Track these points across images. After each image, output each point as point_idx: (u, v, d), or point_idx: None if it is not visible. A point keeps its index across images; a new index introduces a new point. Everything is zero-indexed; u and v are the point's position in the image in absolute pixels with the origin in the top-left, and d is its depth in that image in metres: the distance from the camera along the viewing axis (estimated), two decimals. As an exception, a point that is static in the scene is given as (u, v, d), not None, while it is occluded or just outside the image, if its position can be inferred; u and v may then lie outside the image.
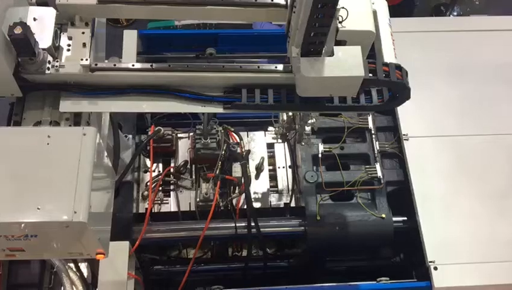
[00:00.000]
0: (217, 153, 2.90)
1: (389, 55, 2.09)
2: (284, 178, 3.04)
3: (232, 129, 3.06)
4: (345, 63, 1.86)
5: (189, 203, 2.93)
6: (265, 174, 3.03)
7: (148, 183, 2.89)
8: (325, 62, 1.85)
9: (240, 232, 2.80)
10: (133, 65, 2.01)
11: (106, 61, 2.07)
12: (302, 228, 2.79)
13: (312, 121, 2.68)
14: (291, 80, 1.98)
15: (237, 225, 2.80)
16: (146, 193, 2.89)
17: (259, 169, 3.03)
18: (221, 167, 2.91)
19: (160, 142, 2.97)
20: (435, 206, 2.72)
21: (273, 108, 2.07)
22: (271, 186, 3.02)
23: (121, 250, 2.45)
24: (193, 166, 3.01)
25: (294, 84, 1.97)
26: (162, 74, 2.02)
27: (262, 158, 3.03)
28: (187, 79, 2.04)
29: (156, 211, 2.89)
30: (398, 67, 1.96)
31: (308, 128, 2.73)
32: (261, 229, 2.78)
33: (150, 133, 2.95)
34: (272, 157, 3.12)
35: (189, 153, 3.02)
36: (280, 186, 3.02)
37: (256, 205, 2.93)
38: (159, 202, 2.92)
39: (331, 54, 1.87)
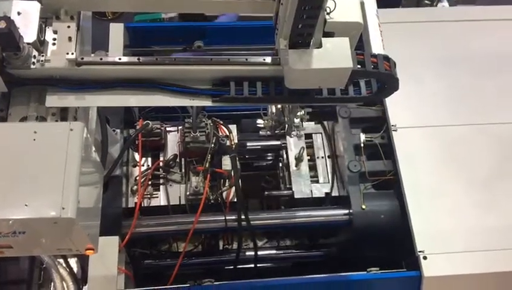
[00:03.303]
0: (207, 146, 2.90)
1: (377, 46, 2.09)
2: (324, 168, 3.06)
3: (221, 122, 3.05)
4: (333, 55, 1.86)
5: (179, 197, 2.92)
6: (305, 164, 3.04)
7: (137, 178, 2.88)
8: (313, 54, 1.85)
9: (230, 225, 2.81)
10: (119, 59, 1.99)
11: (92, 55, 2.05)
12: (347, 217, 2.81)
13: (301, 113, 2.68)
14: (279, 72, 1.98)
15: (227, 217, 2.81)
16: (135, 187, 2.88)
17: (299, 159, 3.03)
18: (211, 160, 2.91)
19: (149, 136, 2.96)
20: (423, 196, 2.74)
21: (261, 100, 2.06)
22: (311, 176, 3.04)
23: (110, 245, 2.44)
24: (182, 160, 3.01)
25: (282, 76, 1.97)
26: (149, 67, 2.01)
27: (302, 148, 3.03)
28: (175, 72, 2.03)
29: (145, 205, 2.89)
30: (386, 58, 1.97)
31: (297, 120, 2.74)
32: (303, 219, 2.85)
33: (138, 127, 2.94)
34: (310, 148, 3.14)
35: (179, 146, 3.01)
36: (320, 176, 3.04)
37: (297, 195, 2.96)
38: (149, 196, 2.91)
39: (319, 45, 1.86)
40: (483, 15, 3.28)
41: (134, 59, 2.00)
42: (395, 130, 2.89)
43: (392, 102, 2.92)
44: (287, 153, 3.10)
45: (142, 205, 2.86)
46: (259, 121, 3.02)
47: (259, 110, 3.02)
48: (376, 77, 2.03)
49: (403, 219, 2.74)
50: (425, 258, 2.58)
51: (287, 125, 2.86)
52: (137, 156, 2.96)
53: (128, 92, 2.03)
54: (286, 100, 2.17)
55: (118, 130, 2.95)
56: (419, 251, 2.60)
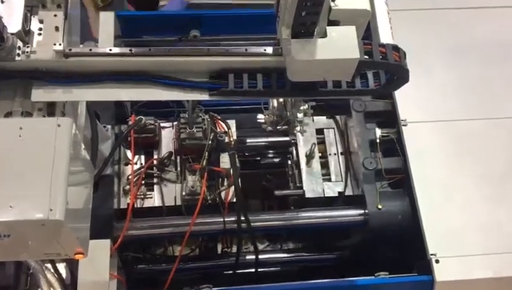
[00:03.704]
0: (204, 143, 2.89)
1: (385, 36, 2.11)
2: (337, 165, 3.08)
3: (219, 117, 3.05)
4: (338, 45, 1.85)
5: (174, 197, 2.92)
6: (316, 162, 3.06)
7: (130, 177, 2.88)
8: (318, 44, 1.84)
9: (228, 227, 2.82)
10: (110, 50, 1.99)
11: (81, 46, 2.04)
12: (362, 217, 2.82)
13: (304, 107, 2.68)
14: (281, 63, 1.97)
15: (226, 219, 2.81)
16: (127, 187, 2.88)
17: (310, 156, 3.04)
18: (208, 158, 2.91)
19: (142, 132, 2.96)
20: (435, 195, 2.75)
21: (262, 94, 2.06)
22: (323, 174, 3.06)
23: (101, 249, 2.44)
24: (178, 157, 3.01)
25: (285, 68, 1.96)
26: (142, 59, 2.00)
27: (314, 144, 3.04)
28: (169, 64, 2.02)
29: (138, 206, 2.89)
30: (396, 48, 1.96)
31: (300, 115, 2.73)
32: (315, 220, 2.87)
33: (130, 123, 2.94)
34: (322, 144, 3.15)
35: (174, 143, 3.01)
36: (333, 174, 3.06)
37: (309, 194, 2.97)
38: (142, 196, 2.91)
39: (324, 35, 1.86)
40: (497, 2, 3.28)
41: (126, 50, 1.99)
42: (405, 125, 2.90)
43: (401, 95, 2.93)
44: (296, 149, 3.11)
45: (135, 206, 2.86)
46: (260, 116, 3.03)
47: (259, 105, 3.02)
48: (385, 68, 2.03)
49: (413, 219, 2.75)
50: (437, 261, 2.58)
51: (290, 121, 2.86)
52: (129, 154, 2.95)
53: (120, 85, 2.02)
54: (288, 94, 2.16)
55: (109, 126, 2.95)
56: (431, 254, 2.60)
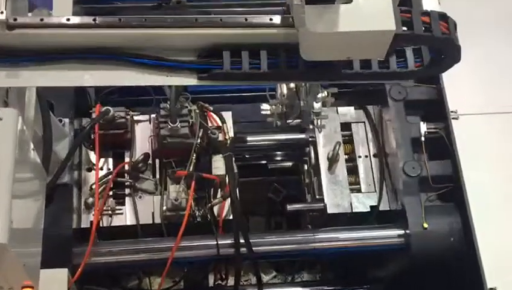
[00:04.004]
0: (190, 141, 2.90)
1: (430, 1, 2.08)
2: (368, 171, 3.09)
3: (211, 108, 3.05)
4: (367, 13, 1.84)
5: (152, 213, 2.94)
6: (341, 166, 3.06)
7: (94, 187, 2.89)
8: (340, 12, 1.83)
9: (223, 253, 2.83)
10: (68, 20, 1.98)
11: (30, 14, 2.04)
12: (402, 240, 2.84)
13: (323, 95, 2.67)
14: (293, 37, 1.97)
15: (220, 242, 2.82)
16: (91, 199, 2.89)
17: (333, 159, 3.04)
18: (197, 161, 2.91)
19: (110, 128, 2.97)
20: (494, 210, 2.76)
21: (267, 77, 2.06)
22: (350, 183, 3.06)
23: (57, 280, 2.41)
24: (157, 161, 3.02)
25: (297, 43, 1.95)
26: (110, 31, 2.00)
27: (338, 144, 3.04)
28: (145, 38, 2.02)
29: (105, 225, 2.90)
30: (443, 17, 1.95)
31: (318, 105, 2.73)
32: (340, 243, 2.90)
33: (94, 115, 2.94)
34: (349, 143, 3.16)
35: (151, 142, 3.02)
36: (363, 183, 3.07)
37: (331, 209, 2.97)
38: (110, 212, 2.92)
39: (349, 0, 1.85)
40: None
41: (89, 20, 1.98)
42: (456, 118, 2.92)
43: (451, 79, 2.93)
44: (315, 150, 3.11)
45: (101, 224, 2.87)
46: (265, 106, 3.03)
47: (264, 92, 3.04)
48: (429, 44, 2.02)
49: (468, 242, 2.77)
50: (498, 297, 2.60)
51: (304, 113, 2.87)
52: (93, 157, 2.96)
53: (81, 66, 2.02)
54: (302, 77, 2.15)
55: (67, 120, 2.95)
56: (491, 288, 2.60)
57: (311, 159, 3.14)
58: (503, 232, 2.73)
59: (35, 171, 2.08)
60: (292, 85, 2.81)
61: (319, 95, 2.81)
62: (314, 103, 2.83)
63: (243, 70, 2.01)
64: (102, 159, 2.99)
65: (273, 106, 2.96)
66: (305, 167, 3.21)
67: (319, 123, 2.94)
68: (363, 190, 3.06)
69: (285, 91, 2.87)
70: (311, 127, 3.01)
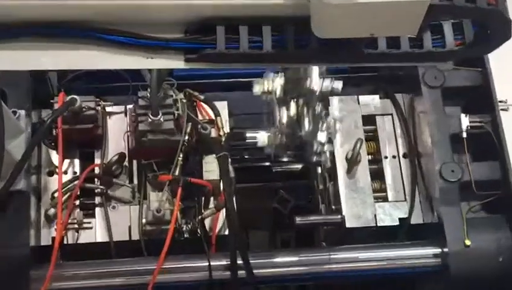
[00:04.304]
0: (176, 139, 2.92)
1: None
2: (397, 175, 3.13)
3: (202, 97, 3.08)
4: (395, -21, 1.83)
5: (129, 227, 2.97)
6: (363, 170, 3.10)
7: (57, 195, 2.90)
8: (361, -23, 1.82)
9: (217, 276, 2.86)
10: (20, -13, 1.97)
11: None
12: (439, 260, 2.88)
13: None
14: (302, 9, 1.97)
15: (213, 263, 2.85)
16: (52, 211, 2.92)
17: (353, 161, 3.07)
18: (184, 163, 2.94)
19: (76, 121, 2.97)
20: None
21: (271, 59, 2.08)
22: (374, 191, 3.10)
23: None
24: (134, 162, 3.05)
25: (308, 17, 1.96)
26: (75, 1, 2.00)
27: (360, 141, 3.08)
28: (121, 10, 2.03)
29: (70, 242, 2.92)
30: (490, -16, 1.94)
31: (322, 136, 2.85)
32: (363, 264, 2.93)
33: (57, 106, 2.94)
34: (372, 140, 3.20)
35: (127, 140, 3.06)
36: (390, 190, 3.11)
37: (351, 222, 3.00)
38: (76, 226, 2.95)
39: (372, -38, 1.85)
40: None
41: (49, -13, 1.97)
42: (505, 109, 2.97)
43: (499, 62, 2.97)
44: (331, 149, 3.13)
45: (65, 241, 2.89)
46: (261, 135, 3.05)
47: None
48: (472, 17, 2.05)
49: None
50: None
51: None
52: (56, 157, 2.98)
53: (38, 44, 2.04)
54: (314, 59, 2.17)
55: (22, 112, 2.97)
56: None
57: (325, 161, 3.16)
58: None
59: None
60: (293, 112, 2.86)
61: (324, 124, 2.91)
62: (320, 132, 2.92)
63: (241, 50, 2.03)
64: (66, 161, 3.01)
65: (270, 135, 3.01)
66: (318, 170, 3.24)
67: (323, 158, 3.03)
68: (390, 199, 3.10)
69: (284, 119, 2.91)
70: (313, 160, 3.07)
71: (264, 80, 2.93)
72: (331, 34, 1.98)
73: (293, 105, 2.91)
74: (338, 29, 1.96)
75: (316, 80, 2.84)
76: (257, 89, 2.95)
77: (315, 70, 2.82)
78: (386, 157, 3.18)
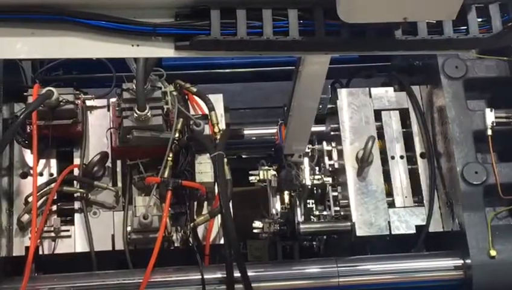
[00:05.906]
0: (165, 136, 2.89)
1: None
2: (413, 178, 3.13)
3: (195, 89, 3.06)
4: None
5: (112, 235, 2.95)
6: (375, 171, 3.08)
7: (31, 199, 2.86)
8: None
9: (211, 290, 2.85)
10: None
11: None
12: (461, 272, 2.87)
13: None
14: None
15: (206, 276, 2.81)
16: (27, 217, 2.87)
17: (365, 161, 3.05)
18: (174, 163, 2.92)
19: (53, 117, 2.95)
20: None
21: (273, 47, 2.03)
22: (388, 194, 3.09)
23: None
24: (118, 163, 3.05)
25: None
26: None
27: (372, 139, 3.05)
28: None
29: (46, 252, 2.90)
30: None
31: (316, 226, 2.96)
32: (375, 277, 2.93)
33: (31, 99, 2.91)
34: (384, 138, 3.18)
35: (110, 137, 3.03)
36: (405, 193, 3.09)
37: (362, 230, 2.99)
38: (53, 234, 2.92)
39: None
40: None
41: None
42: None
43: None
44: (339, 148, 3.14)
45: (40, 251, 2.88)
46: (257, 224, 3.07)
47: (268, 66, 3.14)
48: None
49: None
50: None
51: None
52: (30, 157, 2.96)
53: (11, 31, 2.01)
54: (337, 46, 2.12)
55: (-7, 106, 2.99)
56: None
57: (332, 160, 3.18)
58: None
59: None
60: (286, 201, 2.93)
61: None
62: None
63: (238, 36, 2.01)
64: (42, 161, 2.99)
65: (266, 224, 3.04)
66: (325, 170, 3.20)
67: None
68: (406, 204, 3.07)
69: (278, 209, 2.96)
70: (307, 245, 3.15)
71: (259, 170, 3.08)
72: (358, 19, 1.98)
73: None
74: (365, 12, 1.95)
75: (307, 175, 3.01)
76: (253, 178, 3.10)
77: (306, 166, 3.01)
78: (401, 157, 3.16)
